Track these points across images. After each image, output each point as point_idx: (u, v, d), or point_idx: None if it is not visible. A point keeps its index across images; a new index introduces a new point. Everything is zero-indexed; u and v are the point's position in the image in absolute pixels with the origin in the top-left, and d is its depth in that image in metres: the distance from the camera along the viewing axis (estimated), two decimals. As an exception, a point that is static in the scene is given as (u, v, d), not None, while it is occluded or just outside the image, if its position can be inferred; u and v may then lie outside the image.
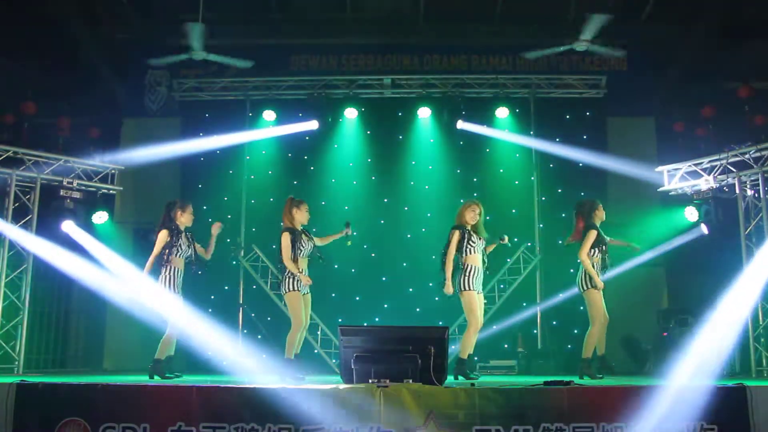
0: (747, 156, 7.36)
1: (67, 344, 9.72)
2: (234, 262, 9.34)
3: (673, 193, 8.37)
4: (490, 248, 6.58)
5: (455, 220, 6.49)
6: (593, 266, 6.32)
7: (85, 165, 8.15)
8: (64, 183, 7.99)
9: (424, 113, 9.73)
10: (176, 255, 6.23)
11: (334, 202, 9.36)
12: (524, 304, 9.10)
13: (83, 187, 8.19)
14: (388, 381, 4.21)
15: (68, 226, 8.09)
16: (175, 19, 9.61)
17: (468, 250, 6.31)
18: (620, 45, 9.16)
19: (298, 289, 6.07)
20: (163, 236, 6.24)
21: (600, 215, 6.52)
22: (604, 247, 6.41)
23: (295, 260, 6.08)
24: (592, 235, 6.34)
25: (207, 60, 8.77)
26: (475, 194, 9.34)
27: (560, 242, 9.38)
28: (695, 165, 7.93)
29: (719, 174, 7.68)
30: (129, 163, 8.66)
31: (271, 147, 9.78)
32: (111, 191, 8.58)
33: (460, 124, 9.46)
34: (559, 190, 9.64)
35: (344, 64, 10.25)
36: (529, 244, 9.29)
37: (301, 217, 6.26)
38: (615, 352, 8.27)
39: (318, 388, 4.23)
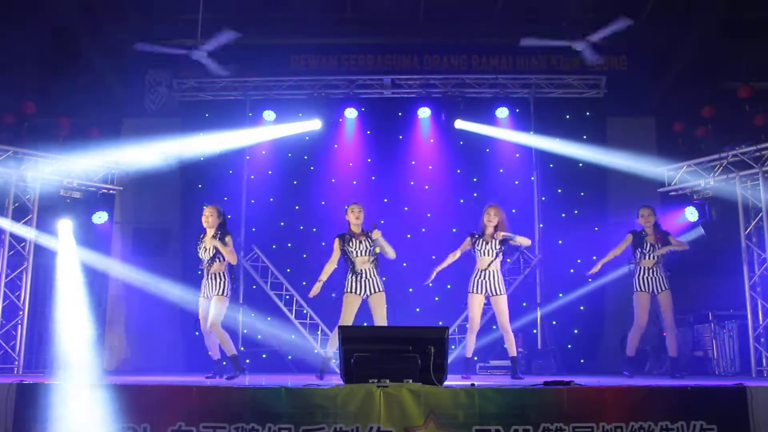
0: (747, 156, 7.36)
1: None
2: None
3: (673, 193, 8.37)
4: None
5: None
6: None
7: (85, 165, 8.14)
8: (64, 183, 7.99)
9: (424, 113, 9.73)
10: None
11: (334, 202, 9.35)
12: (524, 304, 9.10)
13: (83, 187, 8.18)
14: (388, 381, 4.21)
15: (63, 226, 8.07)
16: (175, 19, 9.62)
17: (475, 252, 6.52)
18: (620, 45, 9.18)
19: (348, 291, 6.29)
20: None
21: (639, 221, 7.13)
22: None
23: (347, 261, 6.32)
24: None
25: (200, 61, 8.76)
26: (475, 194, 9.36)
27: (560, 242, 9.43)
28: (695, 165, 7.93)
29: (719, 174, 7.68)
30: (129, 163, 8.66)
31: (271, 147, 9.78)
32: (111, 191, 8.58)
33: (459, 124, 9.46)
34: (559, 190, 9.64)
35: (344, 64, 10.23)
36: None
37: (348, 217, 6.43)
38: (615, 352, 8.28)
39: (318, 388, 4.23)
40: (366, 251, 6.33)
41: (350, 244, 6.33)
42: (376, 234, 6.28)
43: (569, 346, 9.07)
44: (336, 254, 6.39)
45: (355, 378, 4.32)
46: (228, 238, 6.47)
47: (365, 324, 8.43)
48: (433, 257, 9.44)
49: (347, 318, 6.30)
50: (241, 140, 9.41)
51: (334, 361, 6.32)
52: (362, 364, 4.34)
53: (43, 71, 9.67)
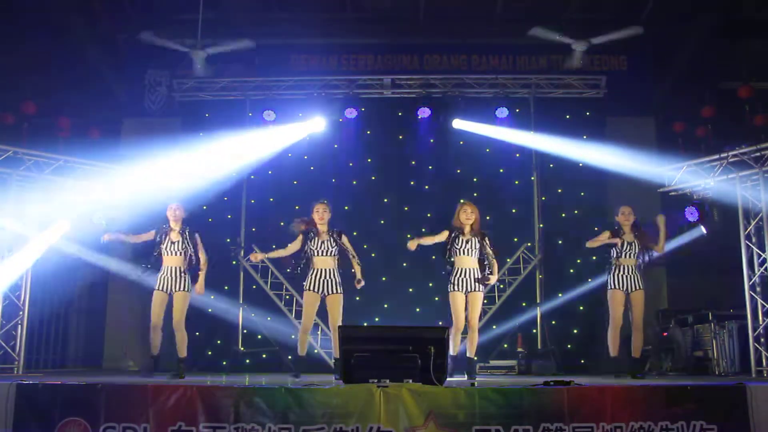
0: (747, 156, 7.35)
1: (67, 344, 9.72)
2: (234, 262, 9.33)
3: (673, 193, 8.36)
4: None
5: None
6: None
7: (85, 165, 8.14)
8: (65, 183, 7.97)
9: (424, 113, 9.72)
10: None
11: (335, 202, 9.30)
12: (524, 304, 9.10)
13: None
14: (388, 381, 4.21)
15: (59, 225, 8.04)
16: (175, 19, 9.62)
17: (455, 251, 6.33)
18: (620, 45, 9.19)
19: (307, 288, 6.32)
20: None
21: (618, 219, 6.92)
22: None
23: (308, 259, 6.34)
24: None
25: (210, 56, 8.76)
26: (475, 194, 9.34)
27: (560, 242, 9.44)
28: (695, 165, 7.93)
29: (719, 174, 7.67)
30: (129, 164, 8.65)
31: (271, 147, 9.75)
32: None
33: (457, 123, 9.45)
34: (559, 190, 9.64)
35: (344, 64, 10.24)
36: (529, 244, 9.29)
37: (313, 216, 6.43)
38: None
39: (318, 388, 4.23)
40: (328, 252, 6.30)
41: (313, 242, 6.30)
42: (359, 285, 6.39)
43: (569, 346, 9.06)
44: (294, 246, 6.39)
45: (355, 378, 4.33)
46: (198, 236, 6.61)
47: (365, 324, 8.49)
48: (433, 257, 9.48)
49: (307, 317, 6.33)
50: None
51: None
52: (362, 364, 4.34)
53: (43, 71, 9.67)
